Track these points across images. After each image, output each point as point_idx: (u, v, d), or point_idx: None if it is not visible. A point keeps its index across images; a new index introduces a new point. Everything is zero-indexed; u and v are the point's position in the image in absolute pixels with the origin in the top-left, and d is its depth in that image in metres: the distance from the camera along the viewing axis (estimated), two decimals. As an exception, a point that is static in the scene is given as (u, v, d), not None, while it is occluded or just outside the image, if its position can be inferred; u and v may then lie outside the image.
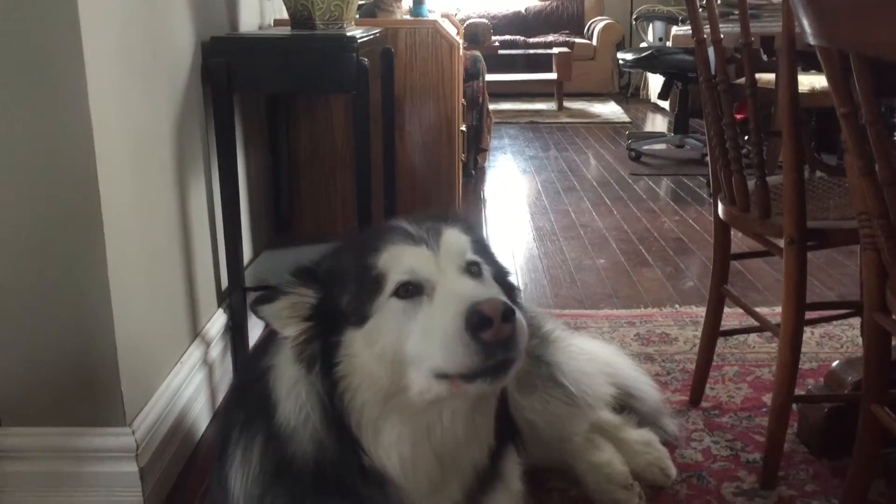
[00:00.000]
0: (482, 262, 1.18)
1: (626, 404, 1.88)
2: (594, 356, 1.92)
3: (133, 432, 1.61)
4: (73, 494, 1.62)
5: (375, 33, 2.53)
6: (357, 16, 3.06)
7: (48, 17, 1.41)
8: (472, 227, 1.24)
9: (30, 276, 1.53)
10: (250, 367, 1.31)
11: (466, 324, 1.01)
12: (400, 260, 1.11)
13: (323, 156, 3.09)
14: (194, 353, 1.99)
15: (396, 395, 1.10)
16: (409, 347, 1.07)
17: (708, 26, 1.80)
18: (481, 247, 1.22)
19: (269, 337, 1.27)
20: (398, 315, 1.09)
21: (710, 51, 1.81)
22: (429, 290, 1.09)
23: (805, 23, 1.27)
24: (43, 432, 1.60)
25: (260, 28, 2.81)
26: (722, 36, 1.77)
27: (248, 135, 2.55)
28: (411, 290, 1.09)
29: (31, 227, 1.50)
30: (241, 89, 2.21)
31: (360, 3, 3.23)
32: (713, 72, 1.83)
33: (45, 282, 1.53)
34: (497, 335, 1.01)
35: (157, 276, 1.80)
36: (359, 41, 2.13)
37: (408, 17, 3.46)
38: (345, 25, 2.36)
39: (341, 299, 1.14)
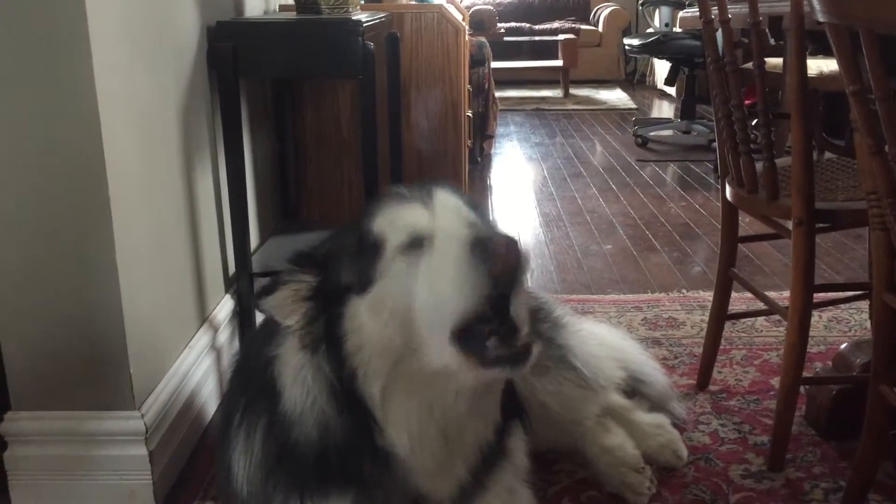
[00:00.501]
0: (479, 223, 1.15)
1: (634, 388, 1.88)
2: (602, 340, 1.92)
3: (142, 416, 1.62)
4: (83, 478, 1.63)
5: (381, 18, 2.52)
6: (362, 0, 3.05)
7: (53, 1, 1.40)
8: (465, 194, 1.23)
9: (38, 262, 1.53)
10: (252, 353, 1.31)
11: (471, 253, 1.00)
12: (396, 220, 1.10)
13: (329, 141, 3.09)
14: (202, 338, 1.99)
15: (407, 359, 1.08)
16: (417, 307, 1.05)
17: (716, 7, 1.79)
18: (476, 208, 1.19)
19: (270, 322, 1.25)
20: (402, 275, 1.07)
21: (718, 33, 1.80)
22: (428, 244, 1.07)
23: (815, 0, 1.26)
24: (53, 416, 1.61)
25: (265, 13, 2.80)
26: (730, 17, 1.76)
27: (254, 120, 2.55)
28: (412, 247, 1.07)
29: (39, 212, 1.51)
30: (247, 74, 2.20)
31: (366, -13, 3.22)
32: (721, 53, 1.82)
33: (53, 267, 1.53)
34: (504, 263, 0.99)
35: (164, 261, 1.80)
36: (365, 25, 2.12)
37: (413, 1, 3.44)
38: (350, 10, 2.35)
39: (342, 273, 1.13)
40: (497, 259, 0.99)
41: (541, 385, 1.66)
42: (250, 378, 1.27)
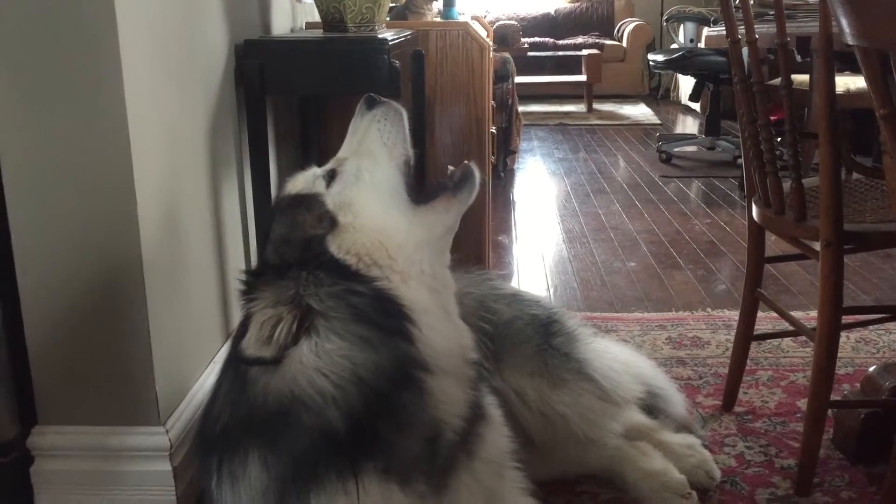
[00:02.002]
0: None
1: (653, 405, 1.87)
2: (616, 356, 1.91)
3: (167, 431, 1.62)
4: (108, 493, 1.64)
5: (406, 35, 2.53)
6: (388, 18, 3.07)
7: (86, 20, 1.43)
8: None
9: (66, 277, 1.55)
10: (213, 415, 1.26)
11: (367, 105, 1.37)
12: (306, 173, 1.33)
13: (353, 158, 3.09)
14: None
15: (399, 240, 1.22)
16: (377, 184, 1.27)
17: (742, 26, 1.78)
18: None
19: (221, 386, 1.27)
20: (350, 186, 1.26)
21: (744, 51, 1.79)
22: (340, 164, 1.31)
23: (844, 23, 1.25)
24: (79, 431, 1.62)
25: (292, 31, 2.82)
26: (757, 36, 1.75)
27: (279, 136, 2.57)
28: (336, 170, 1.30)
29: (68, 227, 1.52)
30: (274, 92, 2.22)
31: (392, 5, 3.24)
32: (747, 72, 1.81)
33: (81, 282, 1.55)
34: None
35: (190, 276, 1.81)
36: (390, 43, 2.13)
37: (438, 19, 3.46)
38: (376, 28, 2.37)
39: (306, 233, 1.23)
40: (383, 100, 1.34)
41: (559, 398, 1.65)
42: (218, 436, 1.23)
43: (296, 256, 1.21)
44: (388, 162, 1.31)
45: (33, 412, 1.62)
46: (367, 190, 1.27)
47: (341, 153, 1.36)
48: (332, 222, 1.23)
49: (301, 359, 1.14)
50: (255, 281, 1.20)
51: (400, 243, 1.23)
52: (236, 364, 1.21)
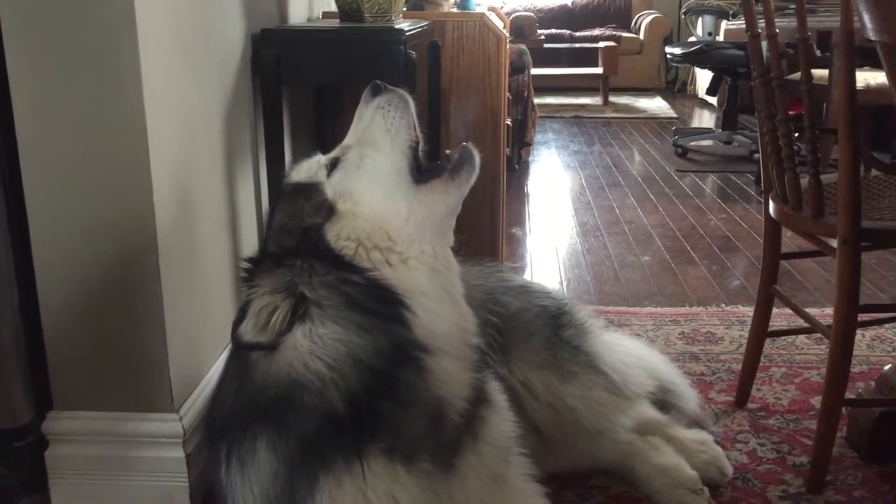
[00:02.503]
0: None
1: (665, 400, 1.86)
2: (628, 350, 1.90)
3: (180, 418, 1.63)
4: (121, 478, 1.65)
5: (423, 26, 2.52)
6: (405, 8, 3.06)
7: (105, 6, 1.43)
8: None
9: (82, 263, 1.55)
10: (220, 402, 1.30)
11: (372, 92, 1.34)
12: (310, 161, 1.31)
13: (368, 148, 3.09)
14: (240, 342, 2.00)
15: (396, 224, 1.22)
16: (379, 171, 1.25)
17: (762, 20, 1.77)
18: None
19: (225, 377, 1.32)
20: (351, 175, 1.25)
21: (764, 45, 1.78)
22: (344, 152, 1.29)
23: (866, 17, 1.24)
24: (93, 416, 1.63)
25: (309, 20, 2.82)
26: (777, 31, 1.73)
27: (295, 126, 2.57)
28: (339, 159, 1.28)
29: (84, 214, 1.53)
30: (290, 81, 2.22)
31: (408, -5, 3.23)
32: (766, 67, 1.79)
33: (97, 268, 1.56)
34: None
35: (205, 263, 1.82)
36: (407, 34, 2.13)
37: (455, 10, 3.45)
38: (393, 18, 2.36)
39: (303, 223, 1.23)
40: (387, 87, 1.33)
41: (568, 390, 1.65)
42: (225, 422, 1.26)
43: (293, 245, 1.22)
44: (392, 149, 1.30)
45: (48, 397, 1.63)
46: (368, 177, 1.26)
47: (346, 141, 1.36)
48: (330, 211, 1.24)
49: (295, 344, 1.16)
50: (255, 268, 1.22)
51: (400, 225, 1.24)
52: (239, 351, 1.23)
